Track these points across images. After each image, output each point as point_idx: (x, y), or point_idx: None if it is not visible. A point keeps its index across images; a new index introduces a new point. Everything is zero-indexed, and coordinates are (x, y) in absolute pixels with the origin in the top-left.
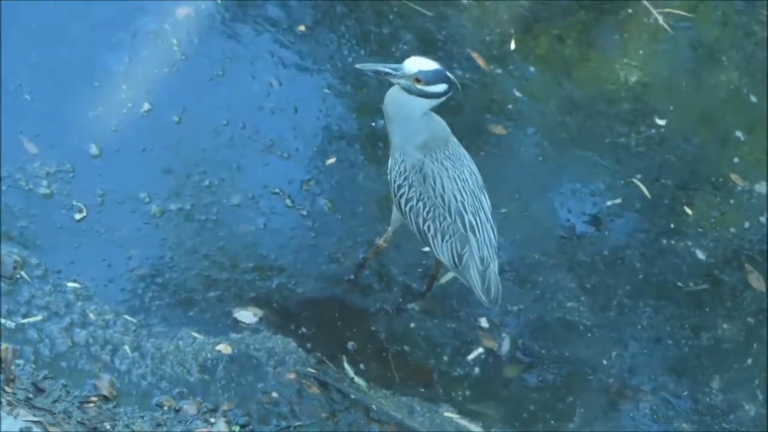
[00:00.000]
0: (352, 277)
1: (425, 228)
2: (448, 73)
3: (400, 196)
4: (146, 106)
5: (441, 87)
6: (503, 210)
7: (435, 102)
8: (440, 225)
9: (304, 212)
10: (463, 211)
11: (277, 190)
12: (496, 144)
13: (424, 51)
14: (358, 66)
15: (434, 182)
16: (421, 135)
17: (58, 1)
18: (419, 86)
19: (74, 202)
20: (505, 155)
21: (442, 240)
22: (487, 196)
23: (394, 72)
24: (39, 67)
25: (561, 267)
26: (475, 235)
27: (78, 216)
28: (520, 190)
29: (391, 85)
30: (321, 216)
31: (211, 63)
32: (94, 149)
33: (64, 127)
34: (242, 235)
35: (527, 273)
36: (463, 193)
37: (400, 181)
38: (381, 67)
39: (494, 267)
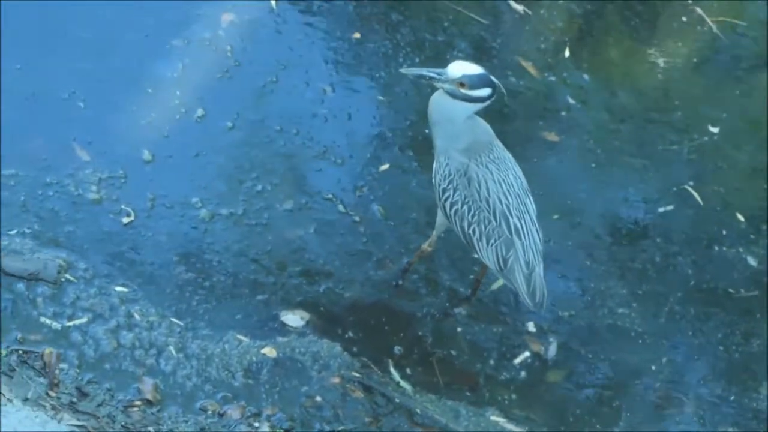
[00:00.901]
0: (400, 282)
1: (470, 231)
2: (493, 77)
3: (445, 200)
4: (200, 112)
5: (485, 91)
6: (555, 216)
7: (479, 106)
8: (485, 228)
9: (357, 218)
10: (508, 215)
11: (330, 196)
12: (550, 151)
13: (479, 59)
14: (402, 71)
15: (479, 185)
16: (465, 139)
17: (112, 8)
18: (463, 90)
19: (122, 207)
20: (558, 162)
21: (487, 243)
22: (532, 200)
23: (438, 76)
24: (92, 74)
25: (612, 274)
26: (520, 239)
27: (126, 220)
28: (573, 197)
29: (435, 89)
30: (373, 222)
31: (264, 70)
32: (146, 155)
33: (116, 134)
34: (291, 239)
35: (579, 279)
36: (508, 197)
37: (445, 185)
38: (425, 71)
39: (539, 270)
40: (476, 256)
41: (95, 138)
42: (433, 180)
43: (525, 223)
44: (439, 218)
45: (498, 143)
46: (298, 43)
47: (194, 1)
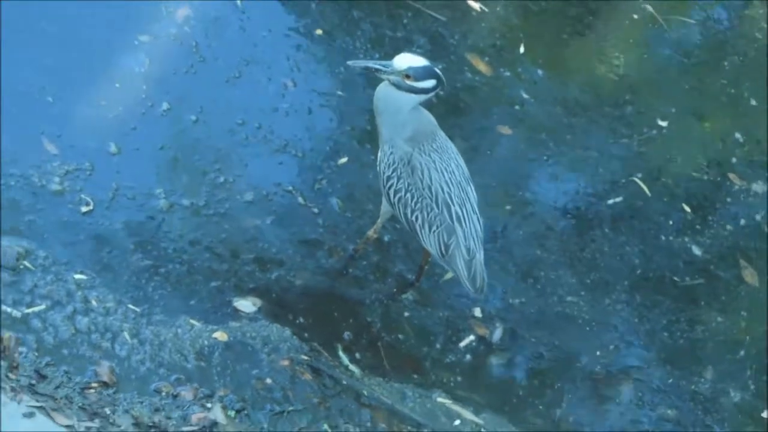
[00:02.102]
0: (349, 270)
1: (413, 218)
2: (437, 70)
3: (389, 188)
4: (165, 106)
5: (430, 83)
6: (507, 207)
7: (424, 97)
8: (428, 215)
9: (315, 210)
10: (450, 202)
11: (290, 188)
12: (503, 143)
13: (437, 54)
14: (349, 63)
15: (422, 174)
16: (409, 128)
17: (79, 4)
18: (409, 82)
19: (82, 196)
20: (511, 154)
21: (430, 230)
22: (473, 188)
23: (384, 68)
24: (61, 70)
25: (563, 263)
26: (461, 226)
27: (84, 209)
28: (525, 189)
29: (380, 80)
30: (331, 214)
31: (228, 65)
32: (113, 148)
33: (84, 127)
34: (247, 229)
35: (530, 268)
36: (450, 185)
37: (389, 173)
38: (372, 63)
39: (480, 257)
40: (420, 242)
41: (63, 131)
42: (378, 168)
43: (466, 211)
44: (384, 206)
45: (441, 133)
46: (262, 40)
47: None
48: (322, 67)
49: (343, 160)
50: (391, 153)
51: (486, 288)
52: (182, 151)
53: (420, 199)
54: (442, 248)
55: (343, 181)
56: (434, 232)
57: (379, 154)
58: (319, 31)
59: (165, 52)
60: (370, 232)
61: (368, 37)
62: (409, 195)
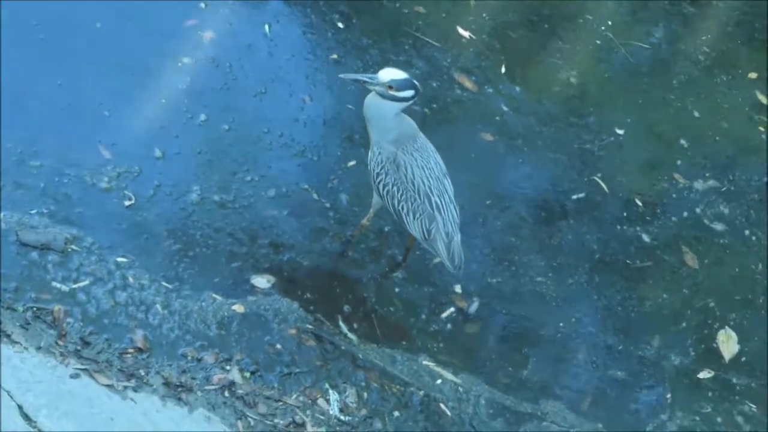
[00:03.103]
0: (348, 252)
1: (399, 208)
2: (415, 81)
3: (378, 183)
4: (203, 117)
5: (409, 92)
6: (488, 202)
7: (404, 105)
8: (411, 205)
9: (327, 204)
10: (430, 194)
11: (306, 186)
12: (486, 148)
13: (431, 74)
14: (341, 76)
15: (406, 170)
16: (393, 132)
17: (139, 36)
18: (391, 92)
19: (125, 192)
20: (492, 158)
21: (414, 218)
22: (449, 181)
23: (370, 80)
24: (116, 89)
25: (533, 249)
26: (440, 214)
27: (127, 203)
28: (503, 186)
29: (369, 92)
30: (340, 208)
31: (256, 83)
32: (158, 152)
33: (134, 136)
34: (265, 219)
35: (505, 253)
36: (430, 179)
37: (378, 170)
38: (360, 76)
39: (457, 239)
40: (406, 228)
41: (117, 140)
42: (369, 167)
43: (444, 201)
44: (375, 198)
45: (421, 135)
46: (285, 62)
47: (203, 30)
48: (335, 85)
49: (352, 162)
50: (379, 153)
51: (463, 265)
52: (216, 155)
53: (405, 192)
54: (425, 233)
55: (352, 180)
56: (417, 219)
57: (369, 154)
58: (334, 56)
59: (204, 72)
60: (364, 221)
61: (375, 61)
62: (395, 188)
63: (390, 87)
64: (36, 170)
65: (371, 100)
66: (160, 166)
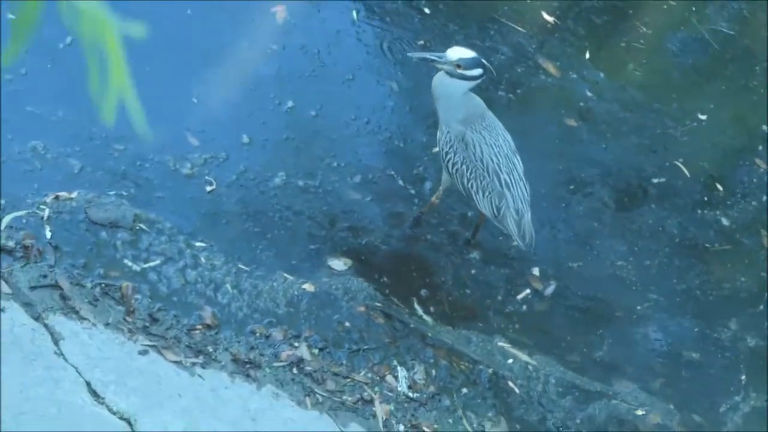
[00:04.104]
0: (413, 228)
1: (469, 186)
2: (484, 60)
3: (448, 161)
4: (290, 104)
5: (477, 71)
6: (571, 187)
7: (473, 83)
8: (481, 183)
9: (413, 191)
10: (499, 171)
11: (392, 173)
12: (569, 134)
13: (516, 60)
14: (409, 54)
15: (474, 148)
16: (462, 111)
17: (232, 24)
18: (460, 71)
19: (207, 177)
20: (576, 143)
21: (483, 196)
22: (519, 159)
23: (439, 59)
24: (208, 77)
25: (615, 233)
26: (510, 191)
27: (209, 188)
28: (586, 172)
29: (437, 71)
30: (424, 195)
31: (344, 70)
32: (245, 139)
33: (222, 123)
34: (347, 203)
35: (587, 238)
36: (499, 157)
37: (447, 149)
38: (428, 55)
39: (528, 217)
40: (476, 206)
41: (205, 127)
42: (438, 145)
43: (513, 178)
44: (444, 176)
45: (489, 113)
46: (373, 49)
47: (292, 17)
48: (421, 72)
49: (436, 149)
50: (448, 132)
51: (534, 243)
52: (303, 141)
53: (474, 170)
54: (495, 210)
55: (436, 167)
56: (487, 197)
57: (438, 133)
58: (421, 42)
59: (292, 59)
60: (433, 198)
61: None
62: (464, 167)
63: (458, 66)
64: (119, 153)
65: (439, 80)
66: (246, 152)
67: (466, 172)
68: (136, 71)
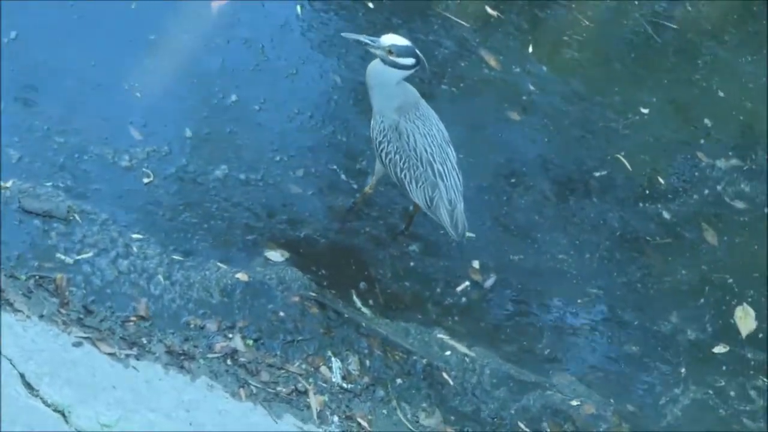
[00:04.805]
0: (347, 222)
1: (402, 176)
2: (417, 51)
3: (381, 151)
4: (234, 98)
5: (410, 60)
6: (513, 180)
7: (406, 73)
8: (414, 173)
9: (355, 186)
10: (432, 161)
11: (334, 167)
12: (512, 127)
13: (460, 54)
14: (343, 34)
15: (408, 138)
16: (395, 100)
17: (175, 14)
18: (391, 58)
19: (144, 170)
20: (519, 136)
21: (416, 186)
22: (452, 149)
23: (372, 43)
24: (150, 70)
25: (556, 227)
26: (443, 181)
27: (146, 180)
28: (528, 164)
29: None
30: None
31: (288, 64)
32: (188, 132)
33: (165, 116)
34: (287, 196)
35: (529, 230)
36: (432, 147)
37: (381, 138)
38: (362, 37)
39: (460, 207)
40: (408, 196)
41: (148, 121)
42: (371, 134)
43: (447, 168)
44: (377, 166)
45: (423, 103)
46: (317, 43)
47: (236, 11)
48: (365, 65)
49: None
50: (382, 121)
51: (466, 233)
52: (246, 135)
53: (407, 159)
54: (428, 200)
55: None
56: (420, 187)
57: (371, 122)
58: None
59: (236, 53)
60: (366, 189)
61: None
62: (398, 156)
63: (390, 52)
64: (58, 145)
65: (374, 67)
66: (189, 145)
67: (400, 161)
68: (81, 65)
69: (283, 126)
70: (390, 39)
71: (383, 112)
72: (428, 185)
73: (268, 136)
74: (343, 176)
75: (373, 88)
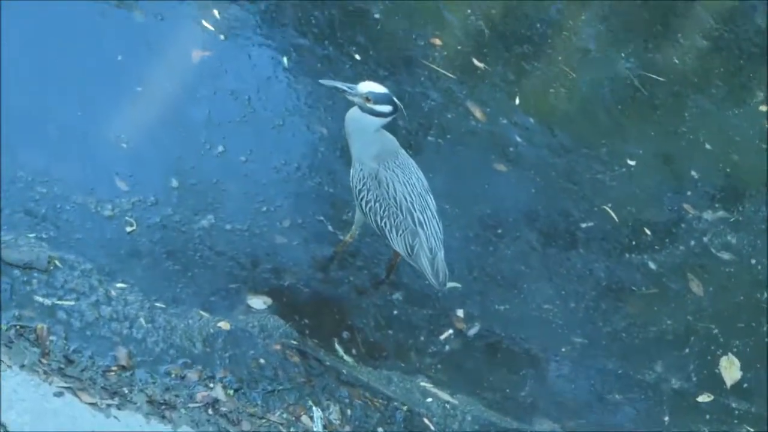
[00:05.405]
0: (330, 270)
1: (382, 224)
2: (395, 98)
3: (361, 199)
4: (220, 149)
5: (387, 108)
6: (499, 231)
7: (384, 120)
8: (394, 221)
9: (341, 237)
10: (412, 210)
11: (321, 218)
12: (499, 178)
13: (446, 106)
14: (321, 81)
15: (387, 186)
16: (374, 148)
17: (161, 65)
18: (369, 105)
19: (127, 218)
20: (505, 188)
21: (397, 234)
22: (432, 197)
23: (349, 90)
24: (136, 120)
25: (543, 277)
26: (423, 229)
27: (129, 229)
28: (514, 215)
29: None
30: (355, 240)
31: (274, 115)
32: (174, 182)
33: (151, 167)
34: (272, 246)
35: (514, 280)
36: (412, 195)
37: (360, 186)
38: (340, 84)
39: (441, 255)
40: (389, 244)
41: (135, 171)
42: (351, 183)
43: (427, 216)
44: (357, 214)
45: (402, 151)
46: (303, 94)
47: (223, 62)
48: None
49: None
50: (361, 169)
51: (447, 282)
52: (233, 185)
53: (387, 208)
54: (408, 248)
55: None
56: (401, 235)
57: (351, 171)
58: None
59: (223, 104)
60: (347, 237)
61: (392, 92)
62: (378, 204)
63: (367, 99)
64: (40, 196)
65: (352, 115)
66: (175, 195)
67: (380, 210)
68: (66, 115)
69: (269, 177)
70: (367, 86)
71: (362, 160)
72: (408, 233)
73: (254, 187)
74: (329, 227)
75: (352, 136)
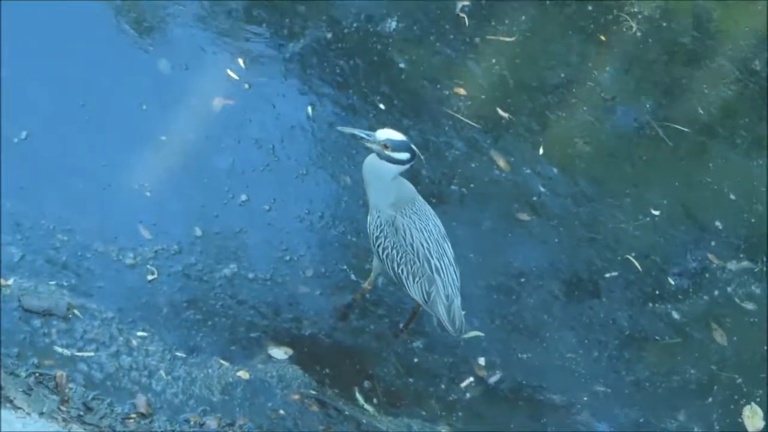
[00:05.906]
0: (349, 316)
1: (399, 271)
2: (413, 146)
3: (378, 246)
4: (243, 197)
5: (405, 155)
6: (522, 279)
7: (401, 168)
8: (411, 268)
9: (365, 285)
10: (429, 257)
11: (344, 267)
12: (522, 228)
13: (471, 156)
14: (339, 128)
15: (404, 233)
16: (391, 195)
17: (186, 115)
18: (387, 152)
19: (148, 266)
20: (528, 237)
21: (414, 281)
22: (449, 244)
23: (367, 137)
24: (160, 169)
25: (565, 326)
26: (440, 276)
27: (150, 277)
28: (537, 264)
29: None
30: (377, 289)
31: (298, 164)
32: (198, 231)
33: (175, 216)
34: (294, 296)
35: (537, 329)
36: (429, 242)
37: (377, 233)
38: (358, 132)
39: (457, 302)
40: (406, 291)
41: (158, 220)
42: (368, 230)
43: (444, 264)
44: (375, 261)
45: (419, 198)
46: (327, 143)
47: (247, 111)
48: None
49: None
50: (378, 216)
51: (464, 329)
52: (256, 234)
53: (404, 255)
54: (425, 296)
55: None
56: (417, 282)
57: (368, 218)
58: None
59: (246, 153)
60: (365, 285)
61: (414, 142)
62: (394, 251)
63: (386, 146)
64: (61, 244)
65: (370, 162)
66: (199, 244)
67: (396, 257)
68: (90, 165)
69: (293, 225)
70: (385, 133)
71: (379, 207)
72: (425, 280)
73: (277, 236)
74: (352, 276)
75: (369, 183)
